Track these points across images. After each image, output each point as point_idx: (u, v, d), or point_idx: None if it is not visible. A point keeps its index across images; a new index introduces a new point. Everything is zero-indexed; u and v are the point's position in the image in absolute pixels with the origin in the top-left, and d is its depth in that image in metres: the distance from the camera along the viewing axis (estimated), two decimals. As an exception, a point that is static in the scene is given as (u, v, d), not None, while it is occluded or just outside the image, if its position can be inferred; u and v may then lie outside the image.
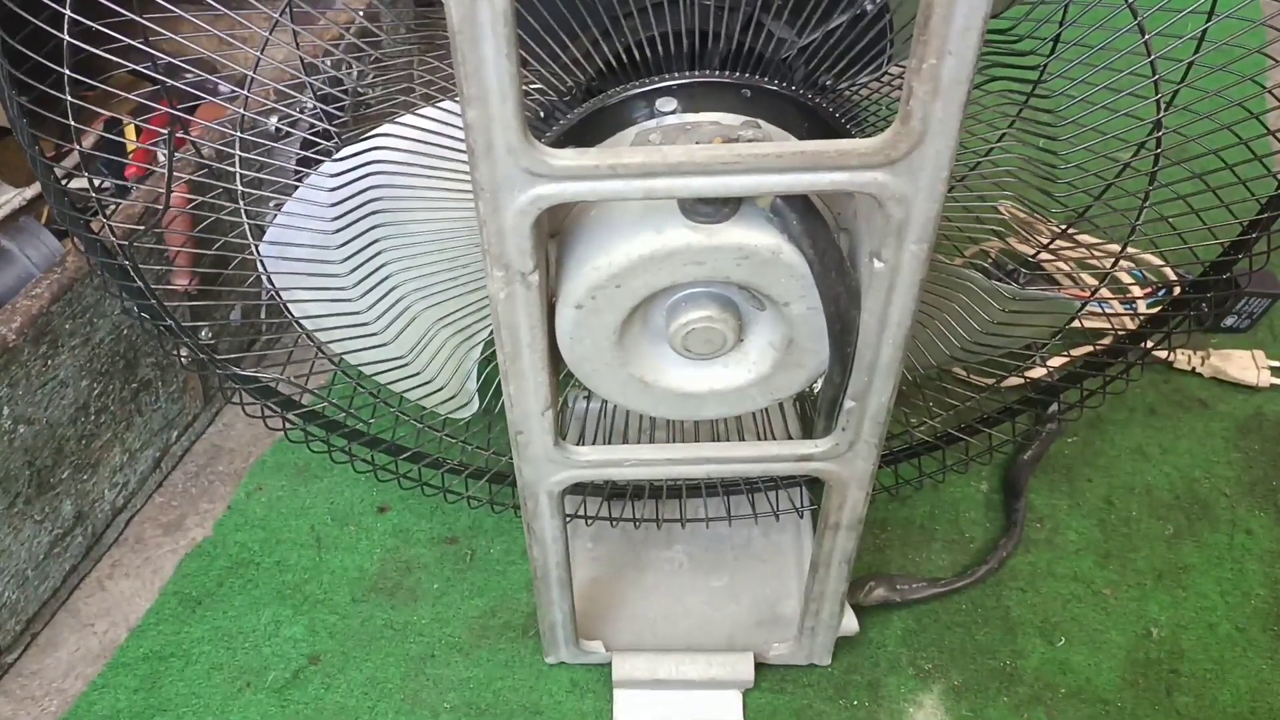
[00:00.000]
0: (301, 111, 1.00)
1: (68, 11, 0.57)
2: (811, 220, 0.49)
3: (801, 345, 0.55)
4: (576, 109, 0.55)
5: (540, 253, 0.49)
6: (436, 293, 0.65)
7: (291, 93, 0.74)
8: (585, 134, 0.55)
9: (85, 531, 0.85)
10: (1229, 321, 1.05)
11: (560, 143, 0.56)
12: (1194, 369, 1.02)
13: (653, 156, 0.45)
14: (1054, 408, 0.94)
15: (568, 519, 0.86)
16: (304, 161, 1.00)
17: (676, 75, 0.54)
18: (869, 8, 0.58)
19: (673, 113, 0.54)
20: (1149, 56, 0.62)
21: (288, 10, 0.83)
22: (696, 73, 0.54)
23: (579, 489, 0.84)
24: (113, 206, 0.81)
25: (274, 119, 0.97)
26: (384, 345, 0.67)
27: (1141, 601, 0.83)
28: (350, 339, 0.68)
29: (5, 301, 0.94)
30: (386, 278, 0.64)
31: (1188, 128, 0.63)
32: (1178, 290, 1.06)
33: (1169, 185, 0.66)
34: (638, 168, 0.45)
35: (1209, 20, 0.61)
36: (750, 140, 0.50)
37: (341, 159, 0.62)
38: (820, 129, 0.56)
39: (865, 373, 0.55)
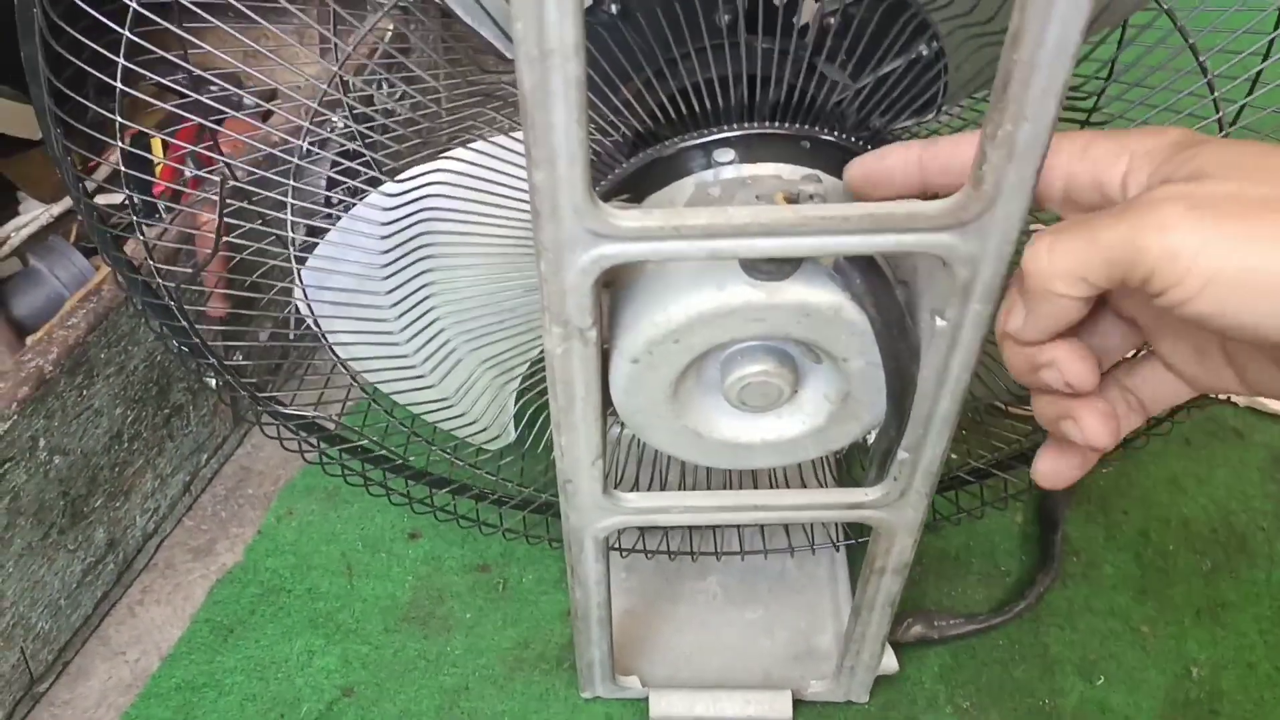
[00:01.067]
0: (332, 131, 1.00)
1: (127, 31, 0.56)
2: (874, 278, 0.49)
3: (858, 399, 0.54)
4: (632, 159, 0.54)
5: (598, 309, 0.49)
6: (482, 336, 0.64)
7: (324, 111, 0.73)
8: (640, 183, 0.55)
9: (117, 558, 0.84)
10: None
11: (613, 192, 0.56)
12: (1228, 397, 1.01)
13: (717, 218, 0.44)
14: None
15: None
16: (333, 183, 1.00)
17: (734, 126, 0.53)
18: (924, 52, 0.57)
19: (730, 163, 0.53)
20: (1211, 95, 0.61)
21: (328, 19, 0.82)
22: (754, 124, 0.53)
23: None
24: (154, 242, 0.80)
25: (305, 139, 0.97)
26: (428, 387, 0.67)
27: (1180, 639, 0.83)
28: (391, 379, 0.67)
29: (35, 323, 0.94)
30: (434, 321, 0.64)
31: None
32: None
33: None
34: (702, 229, 0.45)
35: (1265, 60, 0.60)
36: (812, 195, 0.49)
37: (392, 193, 0.62)
38: None
39: (921, 425, 0.55)
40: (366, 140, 0.97)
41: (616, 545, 0.86)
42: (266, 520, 0.92)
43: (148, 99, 0.81)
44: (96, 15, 0.55)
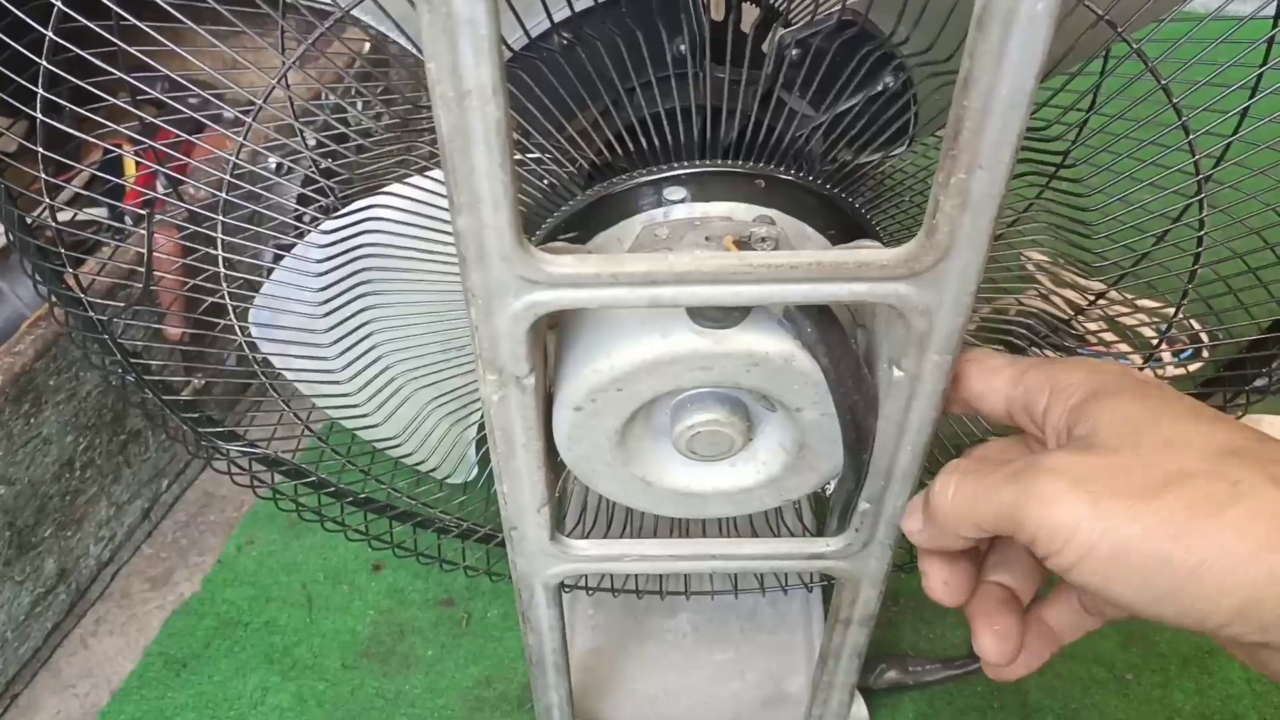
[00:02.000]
0: (302, 150, 0.97)
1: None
2: (827, 326, 0.46)
3: (814, 449, 0.52)
4: (581, 194, 0.52)
5: (536, 356, 0.46)
6: (430, 373, 0.62)
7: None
8: (589, 219, 0.52)
9: (69, 588, 0.82)
10: (1260, 382, 1.01)
11: (561, 229, 0.53)
12: (1222, 432, 0.98)
13: (658, 265, 0.42)
14: None
15: (568, 588, 0.83)
16: (303, 203, 0.97)
17: (685, 164, 0.50)
18: (889, 84, 0.55)
19: (682, 201, 0.51)
20: (1187, 137, 0.58)
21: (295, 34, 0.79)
22: (707, 162, 0.50)
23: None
24: (92, 276, 0.77)
25: (273, 157, 0.95)
26: (374, 425, 0.64)
27: (1165, 688, 0.80)
28: (340, 416, 0.65)
29: (-6, 344, 0.92)
30: (378, 358, 0.61)
31: (1233, 208, 0.60)
32: (1205, 352, 1.03)
33: (1209, 265, 0.62)
34: (642, 276, 0.42)
35: (1252, 97, 0.57)
36: (764, 238, 0.47)
37: (330, 230, 0.59)
38: (838, 218, 0.52)
39: (881, 477, 0.52)
40: (322, 166, 0.95)
41: (583, 584, 0.83)
42: (227, 549, 0.89)
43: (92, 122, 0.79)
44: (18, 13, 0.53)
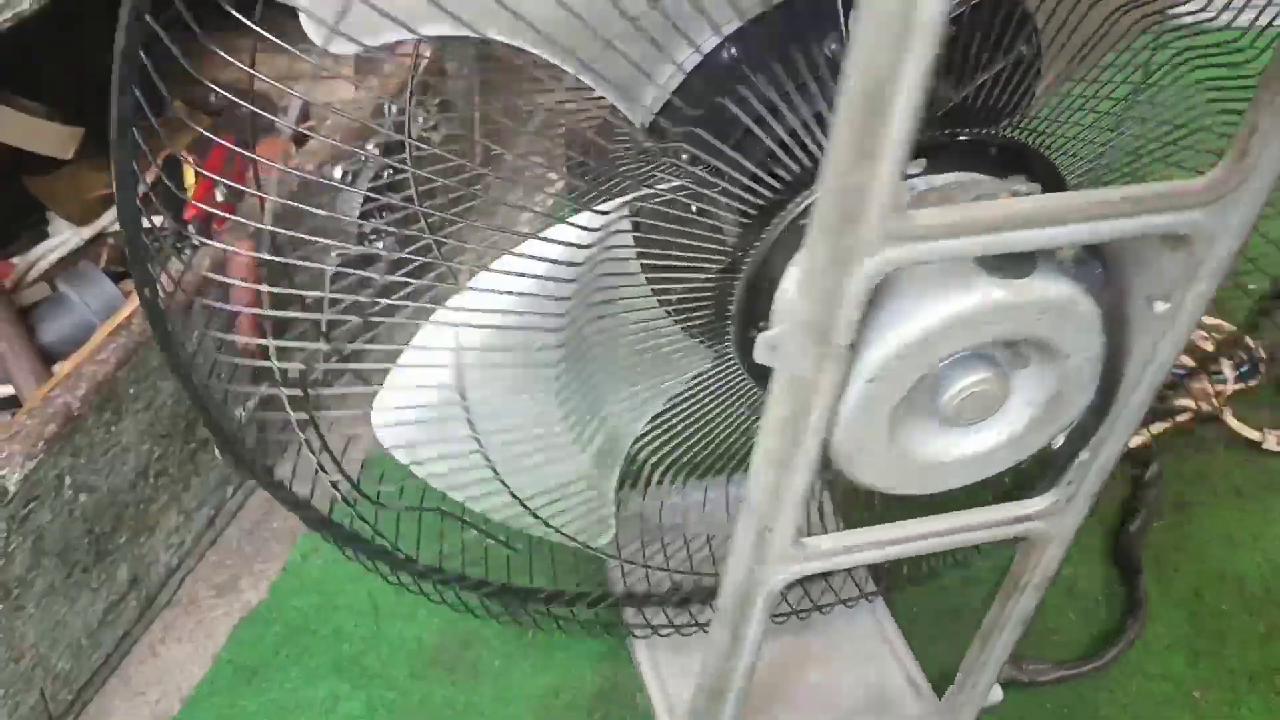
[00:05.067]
0: (365, 161, 0.98)
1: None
2: (1105, 268, 0.47)
3: (1065, 399, 0.51)
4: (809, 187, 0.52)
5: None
6: (626, 410, 0.61)
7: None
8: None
9: (139, 595, 0.82)
10: (1319, 400, 1.01)
11: (799, 216, 0.53)
12: (1281, 447, 0.98)
13: (1009, 209, 0.42)
14: (1154, 468, 0.92)
15: (632, 633, 0.81)
16: (366, 213, 0.98)
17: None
18: (1023, 51, 0.55)
19: (921, 174, 0.51)
20: None
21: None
22: (943, 132, 0.51)
23: (635, 601, 0.80)
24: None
25: (339, 167, 0.95)
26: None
27: (1234, 706, 0.80)
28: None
29: (62, 350, 0.92)
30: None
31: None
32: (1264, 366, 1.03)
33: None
34: (994, 222, 0.42)
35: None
36: (1027, 194, 0.47)
37: (579, 236, 0.56)
38: (1051, 176, 0.55)
39: (1110, 420, 0.52)
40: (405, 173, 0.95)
41: (655, 623, 0.81)
42: (291, 557, 0.90)
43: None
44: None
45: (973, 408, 0.50)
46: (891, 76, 0.34)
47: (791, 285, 0.53)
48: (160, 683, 0.82)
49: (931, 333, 0.46)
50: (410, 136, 1.05)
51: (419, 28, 0.46)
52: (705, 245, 0.55)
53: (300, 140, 1.14)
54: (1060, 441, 0.54)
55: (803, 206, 0.53)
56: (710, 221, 0.55)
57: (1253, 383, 1.01)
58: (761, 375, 0.54)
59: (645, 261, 0.58)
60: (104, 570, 0.77)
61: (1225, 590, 0.87)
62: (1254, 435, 0.97)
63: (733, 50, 0.52)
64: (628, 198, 0.56)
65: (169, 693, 0.81)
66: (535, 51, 0.49)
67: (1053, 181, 0.55)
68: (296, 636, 0.84)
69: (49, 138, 1.14)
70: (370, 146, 0.97)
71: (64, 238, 1.03)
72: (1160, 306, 0.46)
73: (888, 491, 0.54)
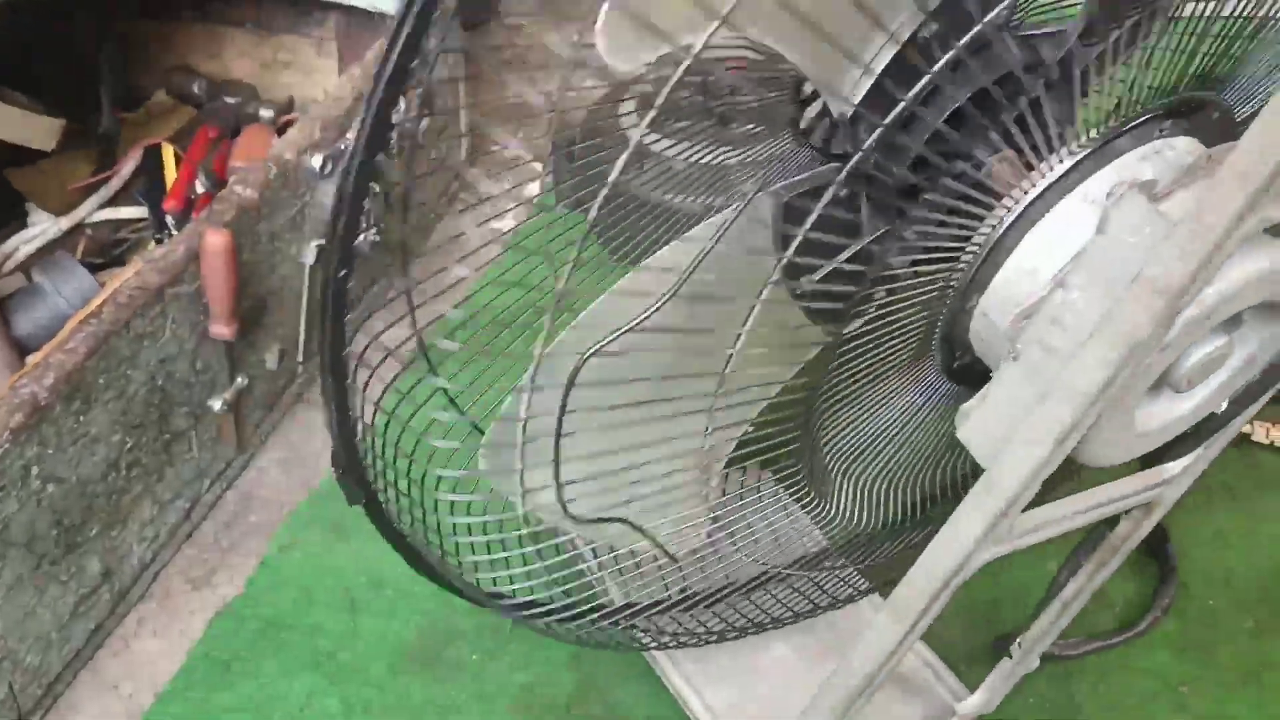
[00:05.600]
0: (346, 150, 0.97)
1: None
2: None
3: (1258, 360, 0.50)
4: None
5: None
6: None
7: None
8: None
9: (111, 588, 0.81)
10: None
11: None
12: (1272, 442, 0.97)
13: None
14: None
15: (646, 645, 0.78)
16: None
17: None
18: None
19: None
20: None
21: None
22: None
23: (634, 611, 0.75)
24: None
25: (318, 156, 0.94)
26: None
27: (1221, 702, 0.79)
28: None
29: (37, 342, 0.91)
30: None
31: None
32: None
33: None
34: None
35: None
36: None
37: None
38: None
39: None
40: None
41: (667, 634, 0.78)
42: (269, 551, 0.89)
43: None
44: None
45: (1202, 373, 0.48)
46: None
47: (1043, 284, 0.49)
48: (133, 677, 0.81)
49: (1225, 299, 0.44)
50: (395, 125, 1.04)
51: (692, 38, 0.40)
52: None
53: (283, 130, 1.13)
54: (1225, 405, 0.52)
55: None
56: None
57: None
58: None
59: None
60: (74, 562, 0.76)
61: (1214, 587, 0.86)
62: (1244, 427, 0.96)
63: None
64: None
65: (142, 687, 0.80)
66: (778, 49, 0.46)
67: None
68: (273, 631, 0.83)
69: (31, 129, 1.13)
70: (350, 136, 0.96)
71: (42, 228, 1.02)
72: None
73: (1089, 464, 0.51)
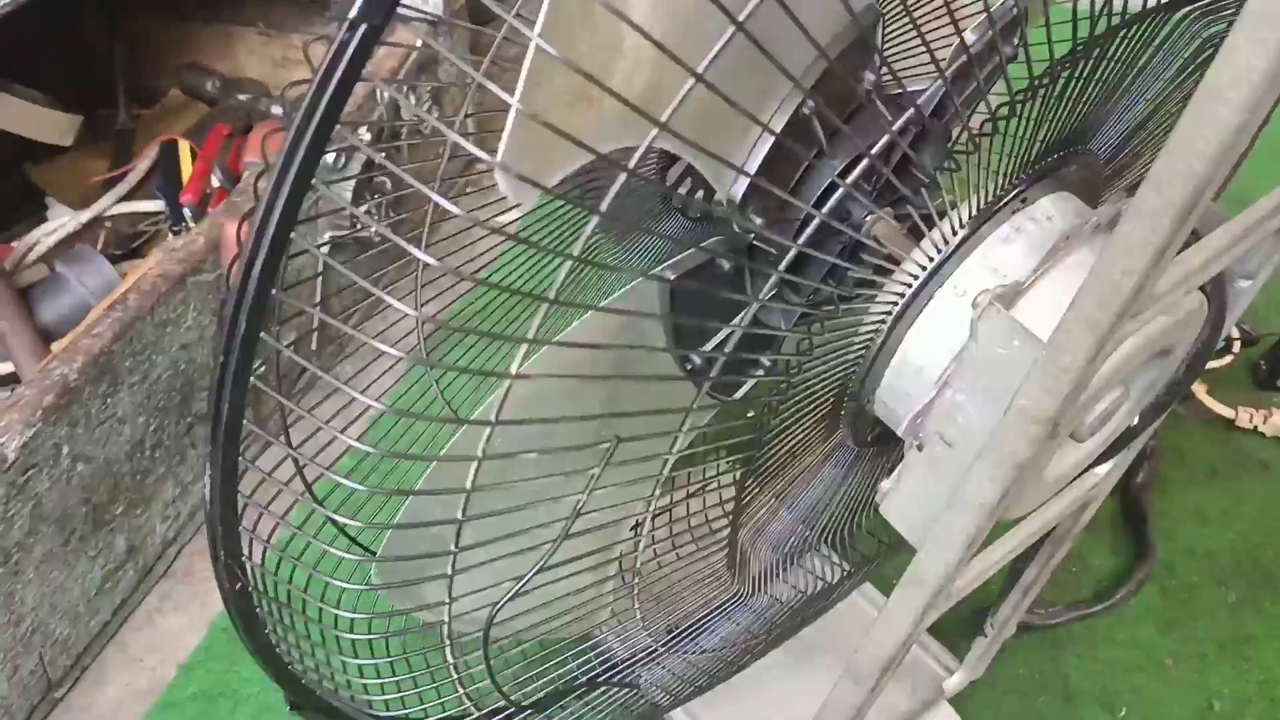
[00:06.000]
0: (359, 144, 1.00)
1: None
2: None
3: (1158, 384, 0.51)
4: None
5: None
6: None
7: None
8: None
9: (137, 565, 0.85)
10: (1293, 380, 1.03)
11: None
12: (1255, 427, 1.00)
13: (1216, 245, 0.40)
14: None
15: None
16: (358, 195, 1.00)
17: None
18: None
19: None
20: None
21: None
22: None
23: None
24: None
25: (330, 151, 0.97)
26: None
27: (1203, 673, 0.82)
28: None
29: (61, 330, 0.94)
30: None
31: None
32: (1237, 345, 1.05)
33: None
34: (1203, 260, 0.40)
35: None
36: None
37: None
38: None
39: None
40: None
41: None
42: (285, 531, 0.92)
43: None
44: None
45: (1102, 422, 0.49)
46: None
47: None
48: (157, 650, 0.84)
49: (1111, 378, 0.45)
50: (403, 122, 1.07)
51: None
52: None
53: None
54: (1136, 420, 0.53)
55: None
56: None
57: (1226, 360, 1.03)
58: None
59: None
60: (101, 539, 0.79)
61: (1196, 564, 0.89)
62: (1228, 412, 0.99)
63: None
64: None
65: (165, 659, 0.83)
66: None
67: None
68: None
69: (49, 125, 1.16)
70: (362, 132, 0.99)
71: (62, 221, 1.05)
72: (1243, 284, 0.48)
73: (1007, 518, 0.51)
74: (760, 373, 0.49)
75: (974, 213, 0.46)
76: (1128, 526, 0.90)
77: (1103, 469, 0.59)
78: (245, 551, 0.45)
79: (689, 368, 0.50)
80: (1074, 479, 0.53)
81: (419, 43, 1.14)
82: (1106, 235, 0.47)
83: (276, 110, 1.25)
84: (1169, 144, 0.30)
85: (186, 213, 1.07)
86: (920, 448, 0.46)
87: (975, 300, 0.44)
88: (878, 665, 0.52)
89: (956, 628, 0.83)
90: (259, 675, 0.80)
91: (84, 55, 1.24)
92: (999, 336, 0.42)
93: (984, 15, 0.44)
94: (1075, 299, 0.35)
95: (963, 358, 0.44)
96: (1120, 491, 0.92)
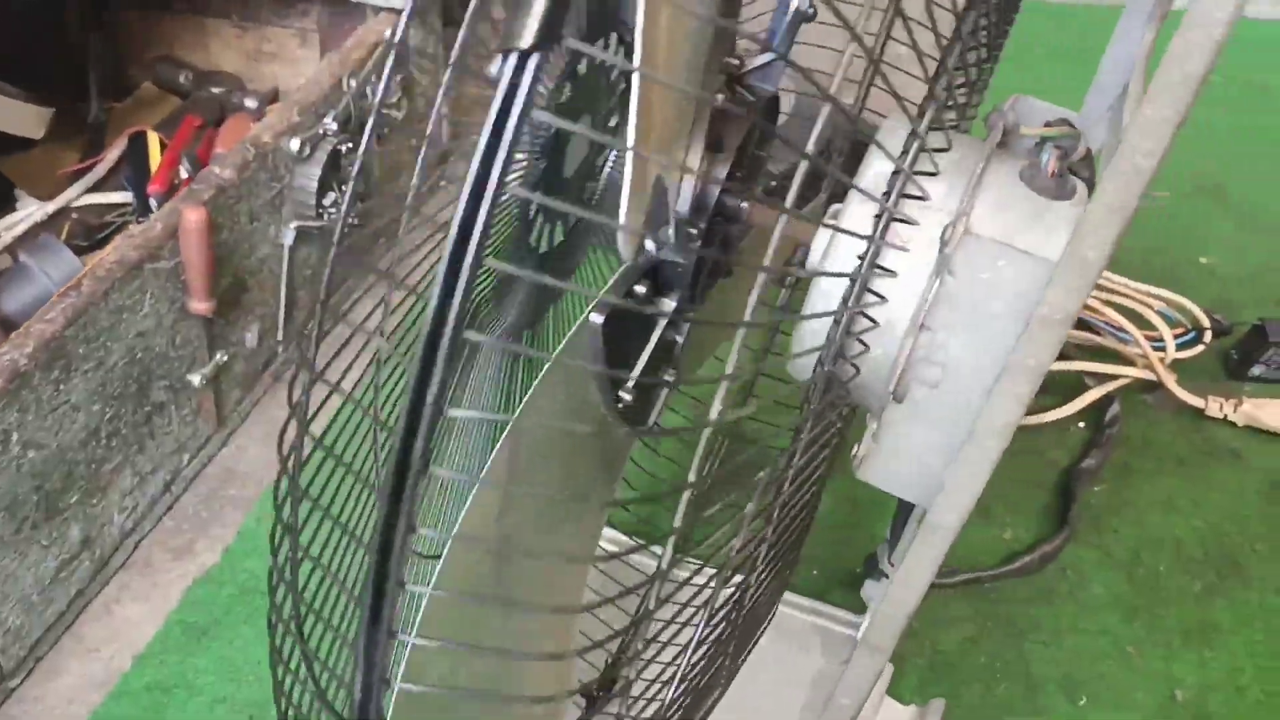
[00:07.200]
0: (324, 134, 1.00)
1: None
2: None
3: None
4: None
5: None
6: None
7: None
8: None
9: (93, 555, 0.84)
10: (1256, 371, 1.03)
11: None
12: (1225, 416, 0.99)
13: None
14: (1114, 409, 0.94)
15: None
16: (324, 185, 1.00)
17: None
18: None
19: None
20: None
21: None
22: None
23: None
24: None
25: (295, 140, 0.97)
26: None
27: (1168, 661, 0.81)
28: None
29: (23, 320, 0.94)
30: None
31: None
32: (1209, 335, 1.04)
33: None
34: None
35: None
36: None
37: None
38: None
39: None
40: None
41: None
42: (246, 522, 0.91)
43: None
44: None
45: None
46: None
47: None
48: (114, 640, 0.83)
49: None
50: (372, 111, 1.07)
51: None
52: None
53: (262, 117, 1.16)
54: None
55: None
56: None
57: (1197, 350, 1.02)
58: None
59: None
60: (55, 528, 0.79)
61: (1164, 553, 0.88)
62: (1197, 402, 0.99)
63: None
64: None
65: (121, 650, 0.83)
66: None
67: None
68: (248, 597, 0.86)
69: (21, 118, 1.16)
70: (328, 120, 0.99)
71: (28, 211, 1.05)
72: None
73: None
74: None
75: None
76: (1060, 506, 0.90)
77: None
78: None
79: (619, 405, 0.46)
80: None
81: (387, 33, 1.13)
82: (1009, 154, 0.47)
83: (250, 103, 1.25)
84: (1187, 17, 0.32)
85: (153, 203, 1.07)
86: (900, 400, 0.46)
87: (943, 236, 0.44)
88: (896, 628, 0.53)
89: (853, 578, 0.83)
90: (214, 666, 0.80)
91: (58, 48, 1.24)
92: (980, 262, 0.43)
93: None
94: (1099, 190, 0.37)
95: (939, 295, 0.44)
96: (1064, 474, 0.93)
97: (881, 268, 0.44)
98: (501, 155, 0.26)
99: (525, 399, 0.46)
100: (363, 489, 0.42)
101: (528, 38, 0.25)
